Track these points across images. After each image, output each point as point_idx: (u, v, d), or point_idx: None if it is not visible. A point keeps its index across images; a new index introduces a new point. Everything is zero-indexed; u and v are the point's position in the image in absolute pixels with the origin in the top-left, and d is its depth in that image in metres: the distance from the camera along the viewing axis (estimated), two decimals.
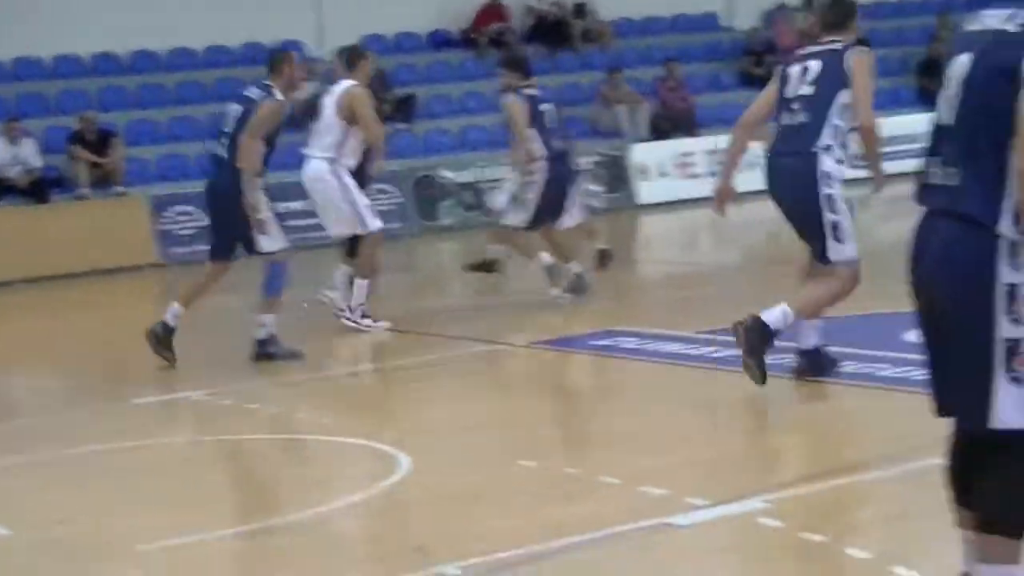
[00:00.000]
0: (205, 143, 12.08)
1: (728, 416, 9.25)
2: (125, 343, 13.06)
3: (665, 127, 24.67)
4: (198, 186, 14.31)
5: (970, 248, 4.66)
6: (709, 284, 15.49)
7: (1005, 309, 4.64)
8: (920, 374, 9.04)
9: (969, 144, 4.70)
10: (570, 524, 6.88)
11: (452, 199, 21.64)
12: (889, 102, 27.26)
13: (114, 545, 7.22)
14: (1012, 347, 4.65)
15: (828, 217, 9.39)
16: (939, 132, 4.85)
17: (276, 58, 12.18)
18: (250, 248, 11.78)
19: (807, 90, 9.43)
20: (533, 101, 14.01)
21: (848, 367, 9.74)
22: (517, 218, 13.71)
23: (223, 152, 11.79)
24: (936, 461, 7.25)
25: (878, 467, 7.54)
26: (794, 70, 9.55)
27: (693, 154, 23.67)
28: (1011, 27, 4.67)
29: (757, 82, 26.64)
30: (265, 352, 11.74)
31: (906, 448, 7.65)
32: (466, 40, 26.44)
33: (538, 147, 13.62)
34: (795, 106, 9.45)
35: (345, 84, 12.92)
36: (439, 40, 26.47)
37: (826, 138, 9.37)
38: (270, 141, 11.77)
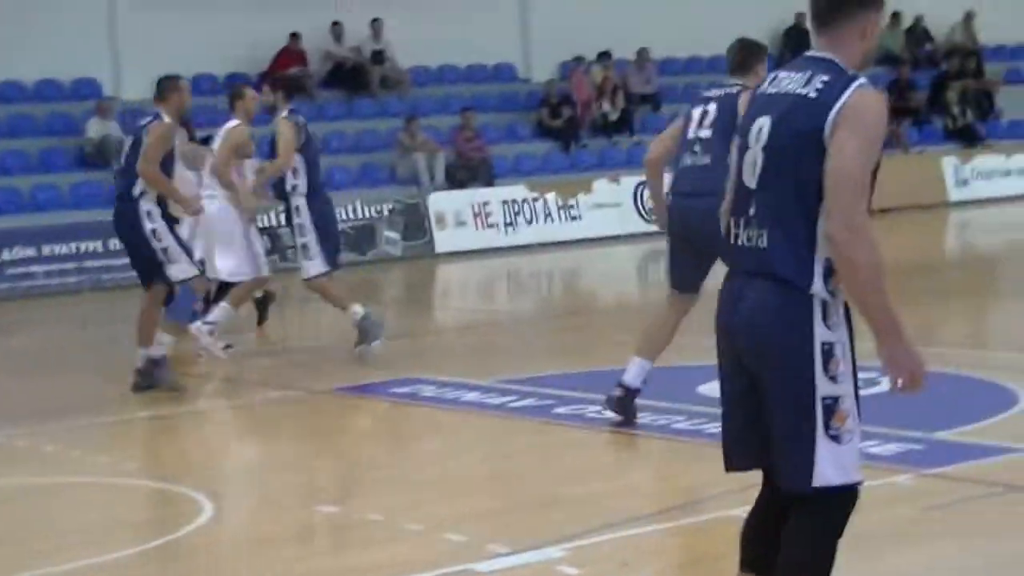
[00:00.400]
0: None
1: (527, 465, 9.40)
2: None
3: (462, 176, 24.91)
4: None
5: (786, 308, 4.74)
6: (505, 333, 15.68)
7: (822, 368, 4.73)
8: (714, 427, 9.37)
9: (774, 208, 4.77)
10: (372, 570, 6.99)
11: None
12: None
13: None
14: (830, 405, 4.74)
15: None
16: (740, 193, 4.91)
17: (163, 85, 12.11)
18: (160, 277, 11.72)
19: (705, 133, 9.53)
20: (303, 128, 13.31)
21: (645, 418, 9.96)
22: (314, 269, 13.23)
23: (120, 184, 11.90)
24: (729, 512, 7.56)
25: (673, 517, 7.72)
26: (696, 111, 9.65)
27: (489, 203, 23.94)
28: (810, 92, 4.75)
29: (553, 133, 27.11)
30: (149, 378, 11.72)
31: (701, 498, 7.90)
32: (263, 84, 26.36)
33: (299, 178, 13.05)
34: (696, 148, 9.56)
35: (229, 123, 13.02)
36: (235, 82, 26.34)
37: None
38: (165, 169, 11.72)
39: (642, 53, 29.02)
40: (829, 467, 4.74)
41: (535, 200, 24.31)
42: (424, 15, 27.21)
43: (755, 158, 4.85)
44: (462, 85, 27.99)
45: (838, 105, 4.68)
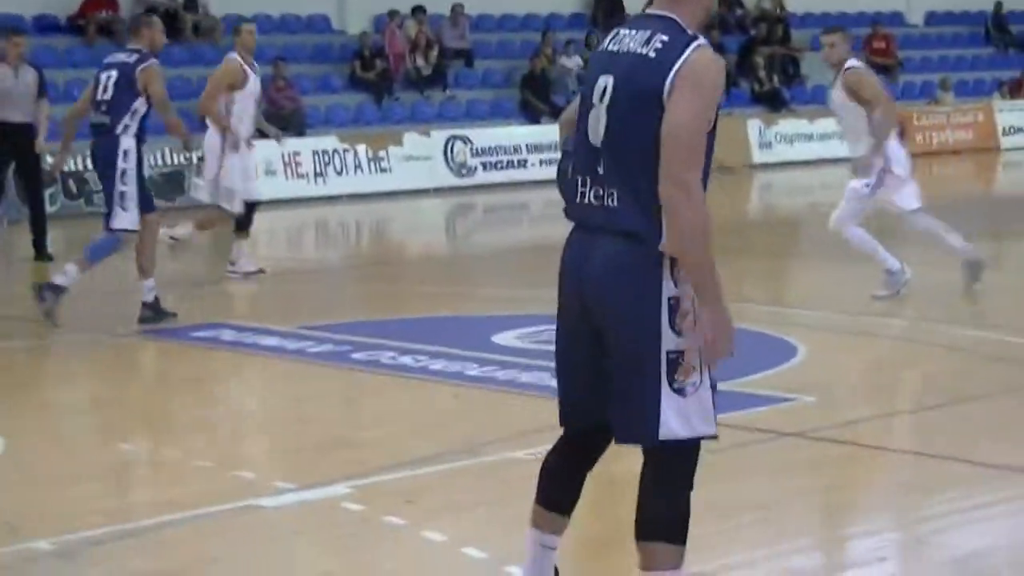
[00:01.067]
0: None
1: (318, 408, 9.61)
2: None
3: (275, 124, 24.86)
4: None
5: (635, 263, 4.74)
6: (311, 281, 15.81)
7: (668, 322, 4.72)
8: (503, 374, 9.66)
9: (621, 166, 4.76)
10: (162, 504, 7.15)
11: (56, 187, 21.37)
12: (492, 113, 28.13)
13: None
14: (675, 359, 4.73)
15: None
16: (586, 151, 4.88)
17: (138, 22, 12.51)
18: (106, 221, 11.99)
19: None
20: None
21: (438, 364, 10.23)
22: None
23: (102, 119, 11.96)
24: (509, 455, 7.86)
25: (458, 458, 7.98)
26: None
27: (300, 153, 23.97)
28: (650, 52, 4.73)
29: (365, 86, 27.19)
30: (46, 312, 11.89)
31: (482, 442, 8.18)
32: (73, 26, 26.11)
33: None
34: None
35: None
36: (45, 25, 26.06)
37: None
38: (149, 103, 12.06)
39: (456, 8, 29.21)
40: (674, 420, 4.75)
41: (346, 151, 24.38)
42: None
43: (599, 116, 4.83)
44: (275, 35, 27.88)
45: (677, 65, 4.67)
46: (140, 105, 12.00)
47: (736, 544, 6.52)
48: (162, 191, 22.36)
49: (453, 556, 6.42)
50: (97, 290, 13.53)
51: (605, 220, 4.81)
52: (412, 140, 25.23)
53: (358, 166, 24.45)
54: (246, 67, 14.86)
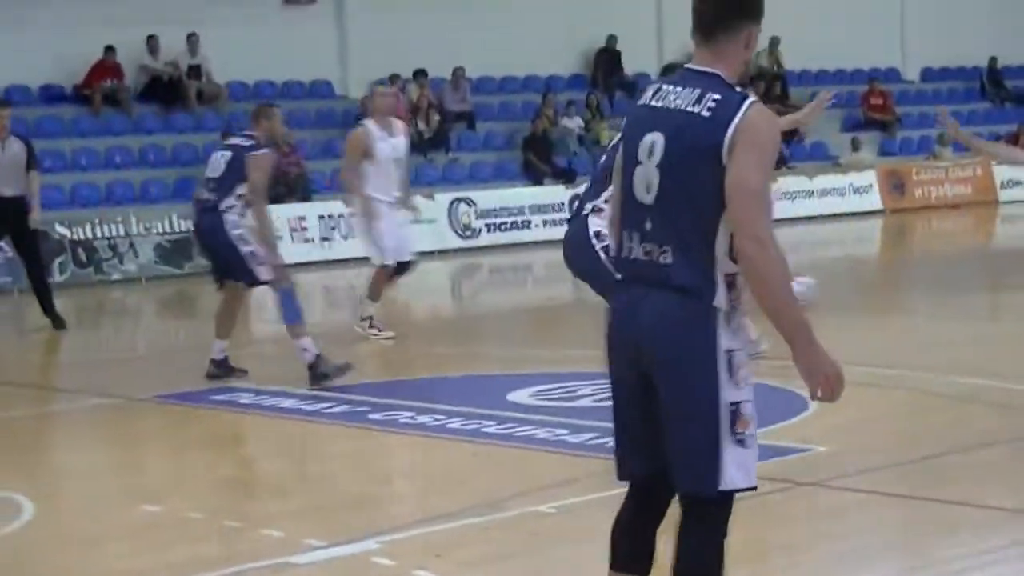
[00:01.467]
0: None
1: (341, 466, 9.75)
2: None
3: (279, 191, 25.07)
4: None
5: (690, 317, 4.84)
6: (321, 344, 15.95)
7: (727, 374, 4.84)
8: (521, 431, 9.81)
9: (674, 222, 4.85)
10: (195, 563, 7.27)
11: (65, 255, 21.57)
12: (495, 175, 28.36)
13: None
14: (735, 410, 4.84)
15: None
16: (632, 207, 4.97)
17: (257, 111, 12.88)
18: (251, 281, 12.46)
19: None
20: None
21: (455, 423, 10.38)
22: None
23: (210, 196, 12.35)
24: (533, 509, 8.00)
25: (478, 513, 8.09)
26: None
27: (305, 218, 24.18)
28: (703, 111, 4.83)
29: None
30: (316, 375, 12.18)
31: (505, 497, 8.32)
32: (79, 96, 26.37)
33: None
34: None
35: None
36: (51, 95, 26.33)
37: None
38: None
39: (457, 72, 29.49)
40: (735, 470, 4.86)
41: (352, 215, 24.49)
42: (240, 30, 27.38)
43: (648, 174, 4.91)
44: (279, 101, 28.10)
45: (735, 123, 4.77)
46: (245, 189, 12.35)
47: None
48: (171, 259, 22.60)
49: None
50: (107, 356, 13.67)
51: (657, 276, 4.90)
52: (417, 203, 25.35)
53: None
54: (379, 132, 14.77)
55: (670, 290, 4.88)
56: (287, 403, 11.55)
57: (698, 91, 4.90)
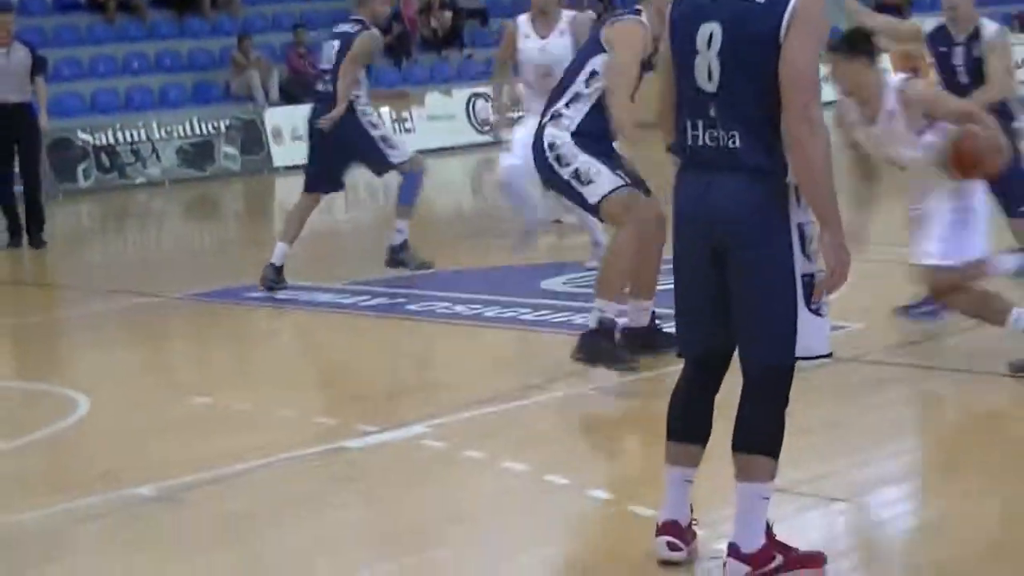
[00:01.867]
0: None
1: (383, 357, 9.95)
2: None
3: (296, 91, 25.13)
4: None
5: (763, 196, 5.07)
6: (347, 240, 16.21)
7: (800, 247, 5.09)
8: (558, 317, 9.99)
9: (738, 108, 5.06)
10: (249, 451, 7.44)
11: (88, 161, 21.69)
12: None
13: None
14: (808, 282, 5.08)
15: None
16: (693, 95, 5.15)
17: None
18: (380, 167, 12.40)
19: None
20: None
21: (491, 311, 10.57)
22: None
23: (327, 87, 12.27)
24: (576, 391, 8.19)
25: (523, 396, 8.29)
26: None
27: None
28: None
29: (386, 49, 27.30)
30: (397, 259, 12.34)
31: (546, 380, 8.52)
32: (92, 4, 26.35)
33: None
34: None
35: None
36: (66, 4, 26.30)
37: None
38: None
39: None
40: (813, 339, 5.13)
41: None
42: None
43: (708, 62, 5.09)
44: (292, 3, 28.15)
45: (789, 7, 4.96)
46: (361, 75, 12.32)
47: (816, 457, 6.82)
48: (193, 161, 22.73)
49: (537, 483, 6.74)
50: (139, 258, 13.81)
51: (726, 159, 5.11)
52: (434, 100, 25.51)
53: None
54: (526, 30, 12.04)
55: (741, 172, 5.09)
56: (324, 297, 11.72)
57: None
